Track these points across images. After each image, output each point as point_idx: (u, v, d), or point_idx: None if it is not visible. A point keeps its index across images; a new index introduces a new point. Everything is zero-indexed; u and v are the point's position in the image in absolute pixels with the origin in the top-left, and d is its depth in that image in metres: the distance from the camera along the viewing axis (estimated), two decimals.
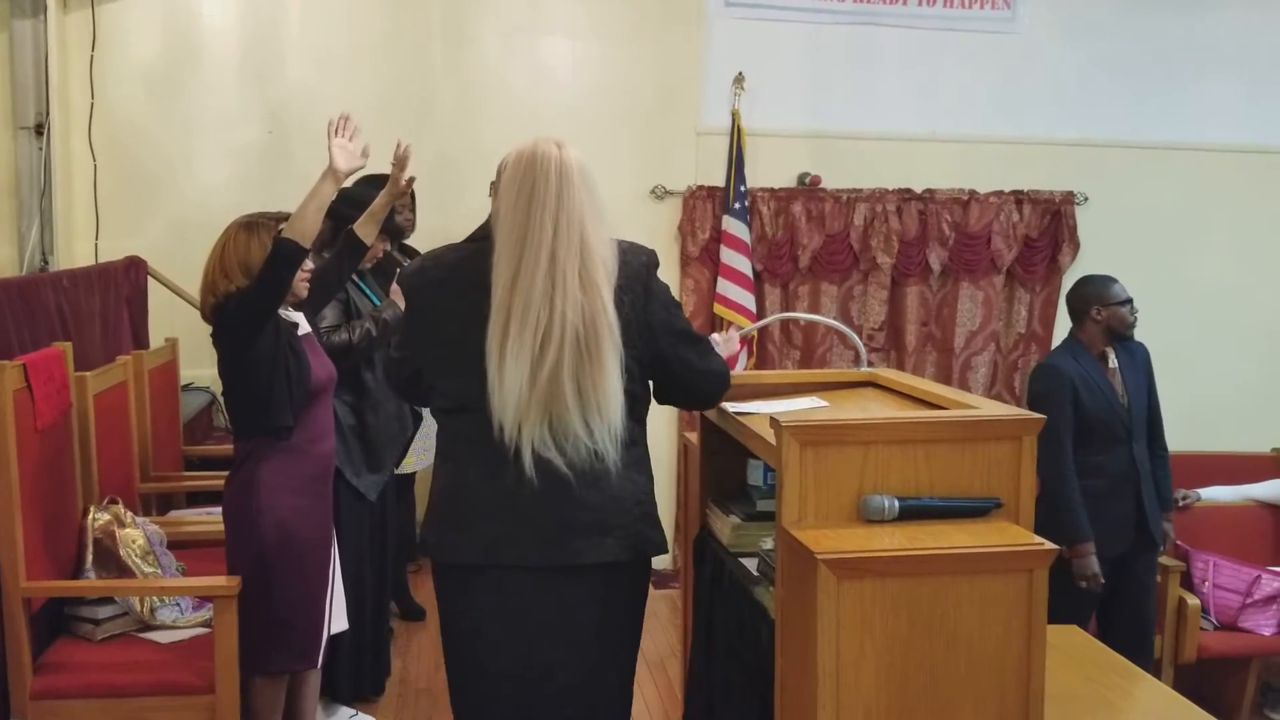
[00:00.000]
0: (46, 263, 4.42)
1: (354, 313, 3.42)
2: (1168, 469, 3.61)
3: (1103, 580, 3.36)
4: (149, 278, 4.38)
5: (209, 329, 2.78)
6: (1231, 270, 5.42)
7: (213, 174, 4.68)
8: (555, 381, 1.86)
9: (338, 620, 3.08)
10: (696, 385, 2.09)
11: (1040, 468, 3.38)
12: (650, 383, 2.06)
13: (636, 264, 1.97)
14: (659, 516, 2.07)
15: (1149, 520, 3.46)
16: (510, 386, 1.86)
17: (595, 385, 1.87)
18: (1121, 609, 3.51)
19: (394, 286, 3.44)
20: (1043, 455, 3.36)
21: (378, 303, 3.53)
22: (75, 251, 4.54)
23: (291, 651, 2.83)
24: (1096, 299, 3.50)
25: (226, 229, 2.80)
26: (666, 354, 2.01)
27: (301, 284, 2.79)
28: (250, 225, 2.78)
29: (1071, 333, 3.58)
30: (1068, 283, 5.24)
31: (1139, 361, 3.57)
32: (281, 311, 2.77)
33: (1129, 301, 3.51)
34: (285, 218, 2.81)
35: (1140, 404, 3.50)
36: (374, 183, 3.29)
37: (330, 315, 3.33)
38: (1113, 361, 3.52)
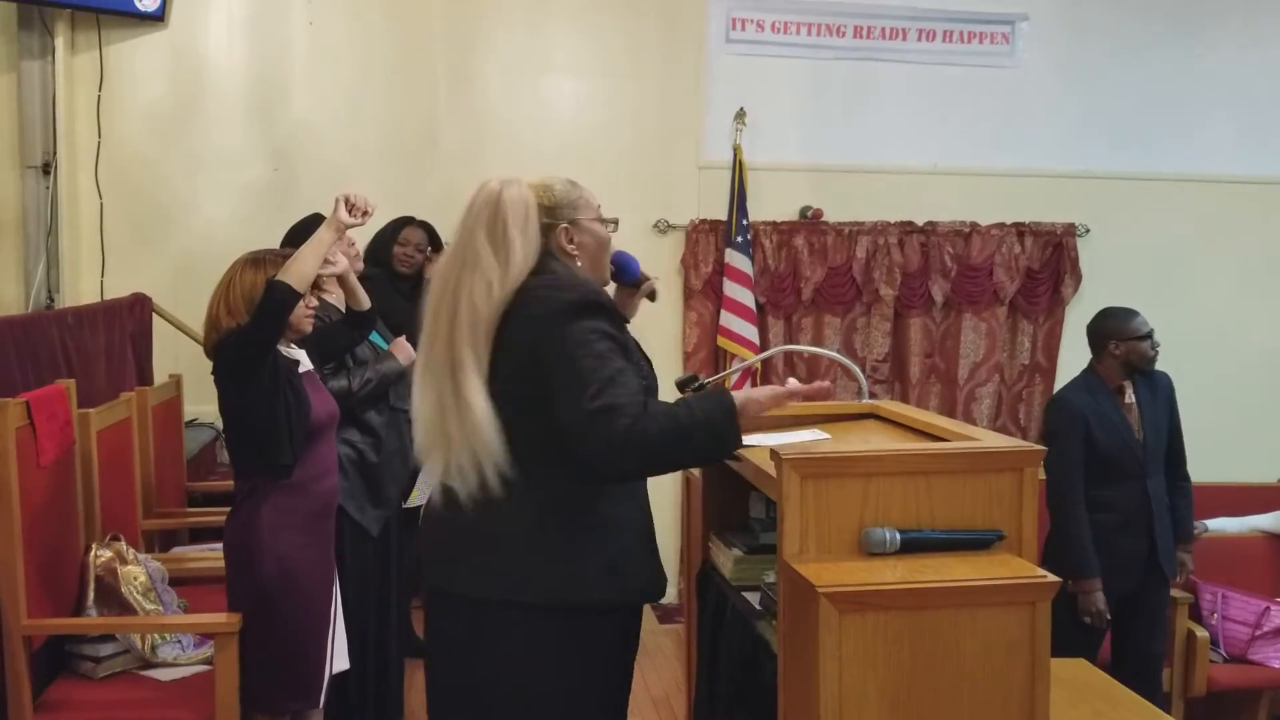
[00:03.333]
0: (52, 300, 4.44)
1: (350, 356, 3.41)
2: (1189, 500, 3.57)
3: (1108, 617, 3.32)
4: (154, 314, 4.40)
5: (211, 364, 2.78)
6: (1233, 301, 5.43)
7: (218, 211, 4.71)
8: (439, 412, 1.88)
9: (339, 659, 3.06)
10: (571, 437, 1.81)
11: (1050, 502, 3.41)
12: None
13: (547, 302, 1.86)
14: (556, 561, 1.88)
15: (1161, 556, 3.43)
16: (417, 412, 1.92)
17: (461, 420, 1.85)
18: (1131, 643, 3.48)
19: (398, 340, 3.44)
20: (1052, 490, 3.39)
21: (383, 345, 3.50)
22: (81, 289, 4.57)
23: (293, 690, 2.81)
24: (1115, 333, 3.44)
25: (233, 265, 2.80)
26: (546, 398, 1.84)
27: (306, 320, 2.80)
28: (257, 261, 2.79)
29: (1090, 364, 3.52)
30: (1071, 314, 5.31)
31: (1160, 393, 3.49)
32: (282, 348, 2.77)
33: (1149, 335, 3.43)
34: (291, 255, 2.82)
35: (1158, 438, 3.44)
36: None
37: None
38: (1129, 396, 3.46)
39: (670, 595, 4.94)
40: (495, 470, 1.84)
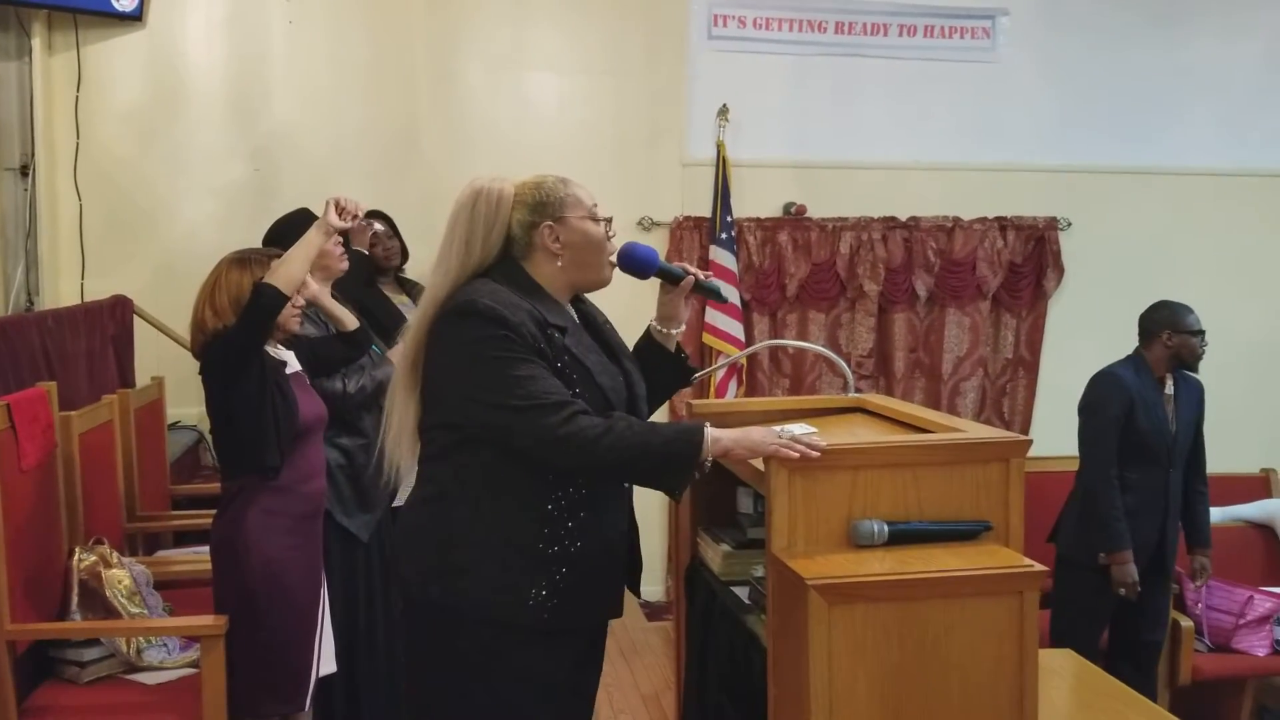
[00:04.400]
0: (32, 303, 4.41)
1: None
2: (1207, 505, 3.65)
3: (1140, 589, 3.37)
4: (135, 317, 4.37)
5: (196, 366, 2.76)
6: (1213, 292, 5.43)
7: (199, 212, 4.68)
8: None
9: (326, 662, 3.04)
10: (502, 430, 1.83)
11: (1084, 475, 3.46)
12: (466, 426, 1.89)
13: (444, 310, 1.90)
14: (460, 567, 1.86)
15: (1166, 547, 3.48)
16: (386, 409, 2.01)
17: (392, 405, 1.97)
18: (1131, 633, 3.53)
19: (397, 347, 3.40)
20: (1088, 463, 3.44)
21: (379, 350, 3.46)
22: (61, 291, 4.53)
23: (280, 693, 2.79)
24: (1170, 324, 3.49)
25: (218, 265, 2.78)
26: (452, 402, 1.88)
27: (293, 320, 2.77)
28: (242, 261, 2.76)
29: (1138, 350, 3.58)
30: (1053, 307, 5.34)
31: (1193, 395, 3.58)
32: (270, 349, 2.75)
33: (1202, 333, 3.50)
34: (277, 255, 2.80)
35: (1186, 435, 3.52)
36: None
37: None
38: (1169, 388, 3.53)
39: (658, 592, 4.94)
40: (404, 471, 1.97)
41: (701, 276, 2.11)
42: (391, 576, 2.03)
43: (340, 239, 3.06)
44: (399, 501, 4.09)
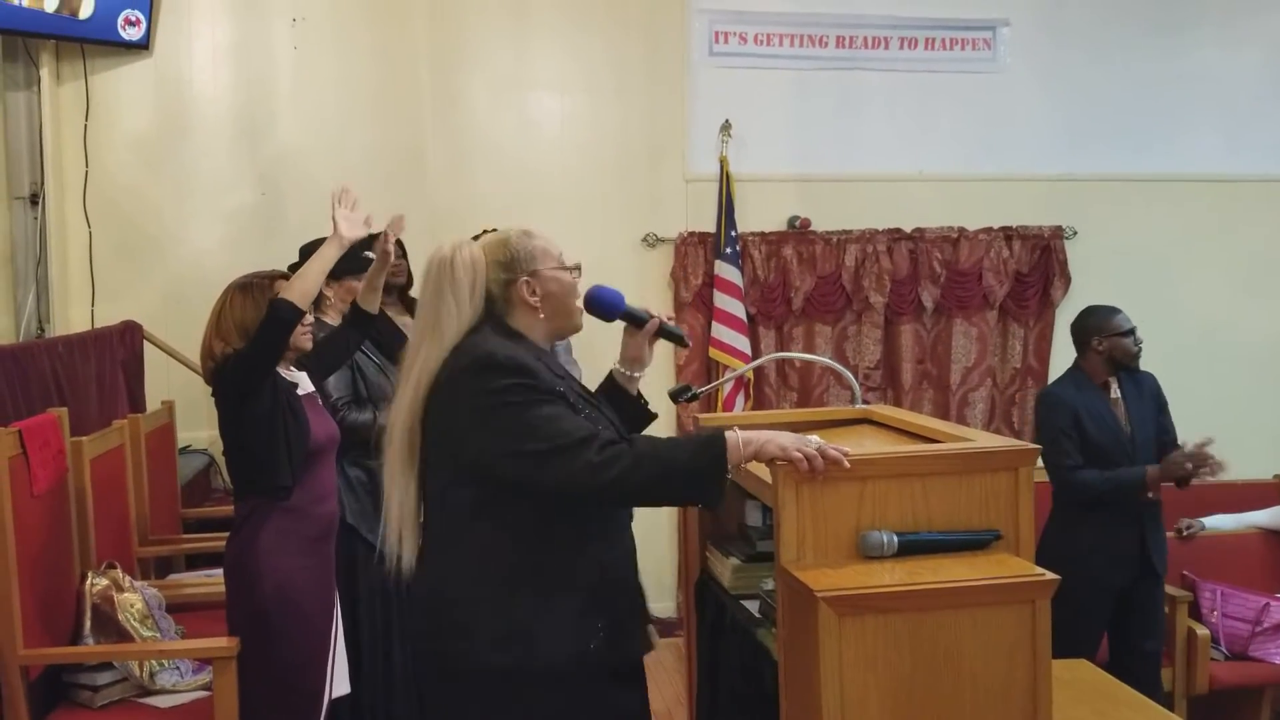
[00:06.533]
0: (43, 330, 4.43)
1: (362, 383, 3.39)
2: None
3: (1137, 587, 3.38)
4: (145, 341, 4.39)
5: (208, 390, 2.78)
6: (1222, 298, 5.46)
7: (207, 237, 4.71)
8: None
9: (340, 684, 3.04)
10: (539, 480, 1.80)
11: (1057, 492, 3.44)
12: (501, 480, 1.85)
13: (453, 368, 1.88)
14: (474, 624, 1.84)
15: (1152, 552, 3.45)
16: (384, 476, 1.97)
17: (390, 488, 1.94)
18: (1128, 641, 3.48)
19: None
20: (1055, 475, 3.44)
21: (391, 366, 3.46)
22: (71, 318, 4.56)
23: (294, 715, 2.79)
24: (1097, 329, 3.50)
25: (224, 291, 2.80)
26: (479, 457, 1.85)
27: (303, 337, 2.79)
28: (246, 286, 2.79)
29: (1075, 362, 3.58)
30: (1061, 316, 5.33)
31: (1146, 392, 3.55)
32: (282, 371, 2.77)
33: (1131, 332, 3.49)
34: (281, 276, 2.83)
35: (1145, 435, 3.48)
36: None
37: (337, 385, 3.31)
38: (1114, 392, 3.51)
39: (669, 608, 4.93)
40: (414, 545, 1.91)
41: (665, 320, 2.13)
42: (415, 647, 1.98)
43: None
44: None
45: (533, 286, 1.95)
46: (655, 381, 2.23)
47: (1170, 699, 3.61)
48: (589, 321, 2.07)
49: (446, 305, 1.91)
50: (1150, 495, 3.41)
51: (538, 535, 1.85)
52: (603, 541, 1.90)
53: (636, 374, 2.15)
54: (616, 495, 1.83)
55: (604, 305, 2.09)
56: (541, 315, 1.97)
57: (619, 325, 2.15)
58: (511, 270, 1.95)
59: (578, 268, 2.03)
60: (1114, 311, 3.52)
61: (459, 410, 1.85)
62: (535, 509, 1.84)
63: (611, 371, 2.17)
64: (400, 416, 1.92)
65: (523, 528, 1.85)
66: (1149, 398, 3.55)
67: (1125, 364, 3.49)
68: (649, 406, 2.20)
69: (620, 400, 2.14)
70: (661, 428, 2.20)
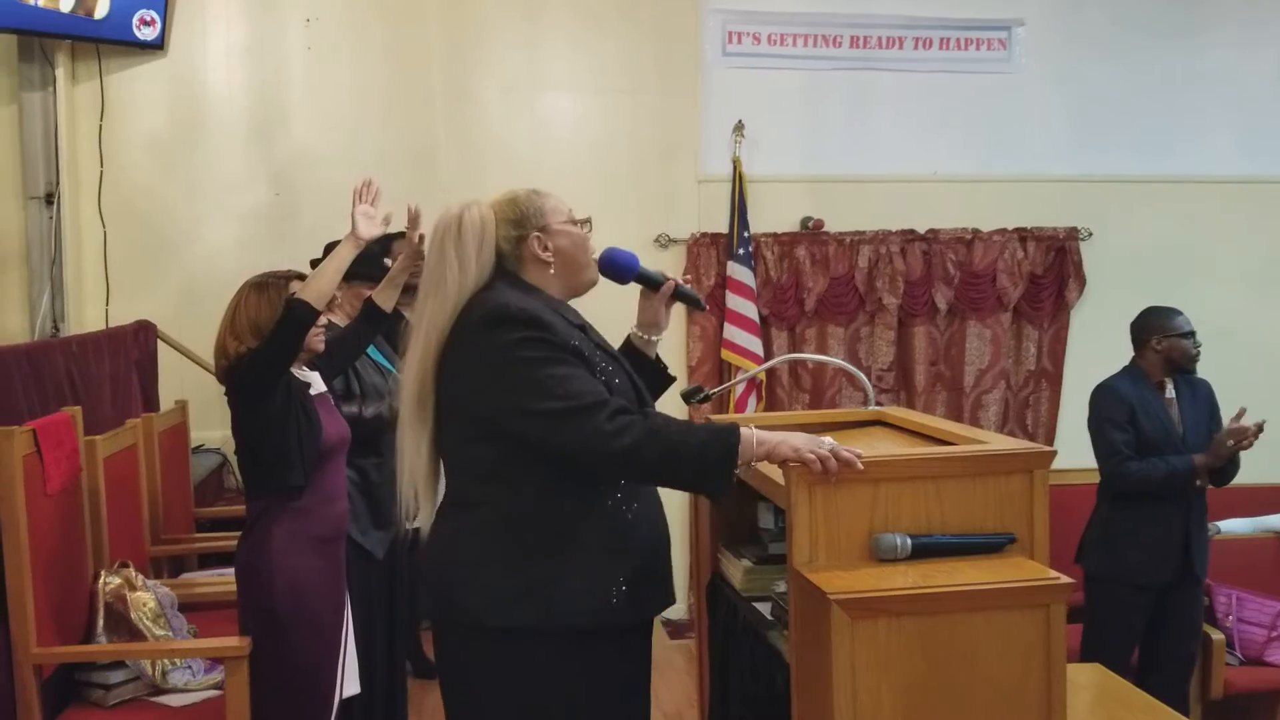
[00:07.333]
0: (58, 329, 4.46)
1: (356, 381, 3.39)
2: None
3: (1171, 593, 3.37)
4: (159, 341, 4.41)
5: (221, 390, 2.78)
6: (1238, 300, 5.41)
7: (221, 237, 4.73)
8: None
9: (350, 684, 3.04)
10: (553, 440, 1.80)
11: (1105, 484, 3.46)
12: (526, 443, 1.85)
13: (466, 321, 1.88)
14: (542, 583, 1.83)
15: (1194, 553, 3.44)
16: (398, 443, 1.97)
17: (402, 446, 1.94)
18: (1163, 645, 3.48)
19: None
20: (1104, 466, 3.44)
21: (391, 367, 3.47)
22: (86, 317, 4.58)
23: (305, 715, 2.79)
24: (1158, 329, 3.51)
25: (239, 290, 2.80)
26: (492, 413, 1.84)
27: (316, 339, 2.79)
28: (260, 285, 2.79)
29: (1133, 359, 3.59)
30: (1075, 318, 5.30)
31: (1200, 397, 3.57)
32: (295, 370, 2.77)
33: (1191, 334, 3.51)
34: (296, 276, 2.83)
35: (1198, 437, 3.48)
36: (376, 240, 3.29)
37: (334, 382, 3.30)
38: (1169, 392, 3.53)
39: (680, 610, 4.92)
40: (424, 494, 1.92)
41: (680, 282, 2.12)
42: (428, 606, 1.98)
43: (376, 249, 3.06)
44: (416, 523, 4.09)
45: (544, 242, 1.96)
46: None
47: (1186, 704, 3.59)
48: (604, 287, 2.06)
49: (449, 262, 1.90)
50: (1199, 483, 3.42)
51: (557, 491, 1.84)
52: (624, 498, 1.89)
53: (654, 337, 2.15)
54: (621, 466, 1.82)
55: (619, 267, 2.08)
56: (553, 271, 1.97)
57: (634, 291, 2.13)
58: (522, 227, 1.95)
59: (588, 221, 2.03)
60: (1175, 313, 3.54)
61: (472, 364, 1.85)
62: (553, 465, 1.83)
63: (629, 335, 2.16)
64: (411, 372, 1.92)
65: (541, 484, 1.84)
66: (1203, 402, 3.56)
67: (1182, 365, 3.50)
68: (666, 369, 2.19)
69: (639, 363, 2.12)
70: None
